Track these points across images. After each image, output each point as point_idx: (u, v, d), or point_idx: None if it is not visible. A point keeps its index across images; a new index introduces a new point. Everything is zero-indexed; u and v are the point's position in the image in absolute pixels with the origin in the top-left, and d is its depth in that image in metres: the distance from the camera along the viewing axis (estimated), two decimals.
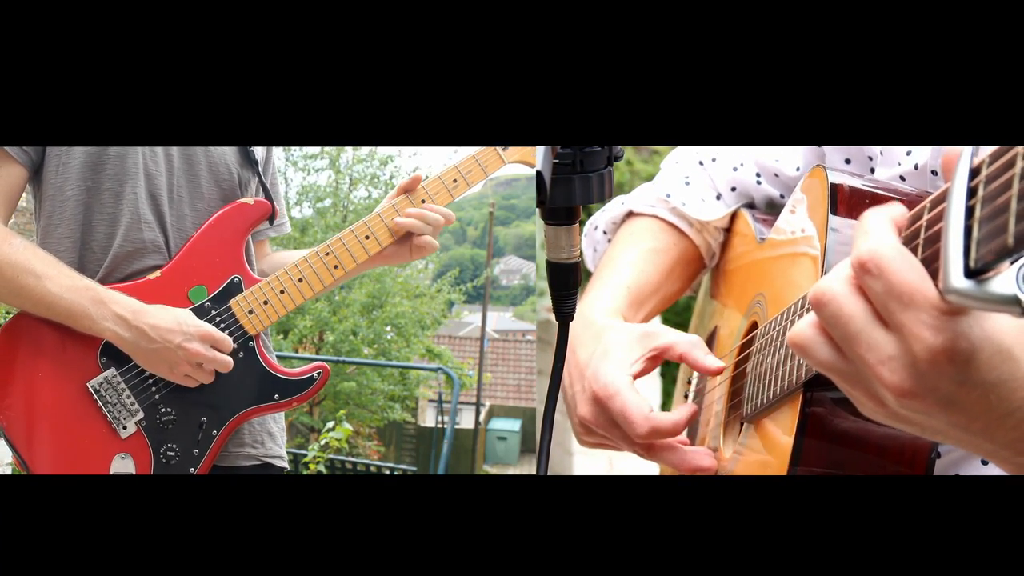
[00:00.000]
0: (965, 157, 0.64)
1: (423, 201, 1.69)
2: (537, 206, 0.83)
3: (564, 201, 0.84)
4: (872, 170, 1.11)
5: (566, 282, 0.90)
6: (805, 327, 0.72)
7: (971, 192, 0.62)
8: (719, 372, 1.06)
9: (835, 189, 0.95)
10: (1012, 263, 0.59)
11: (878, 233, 0.67)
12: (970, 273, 0.60)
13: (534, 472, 0.92)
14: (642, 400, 1.05)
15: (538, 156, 0.78)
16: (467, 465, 10.23)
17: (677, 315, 4.39)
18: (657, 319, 1.47)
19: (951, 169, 0.64)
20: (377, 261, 1.72)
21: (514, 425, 12.19)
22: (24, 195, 1.66)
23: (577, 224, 0.88)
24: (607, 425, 1.08)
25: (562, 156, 0.83)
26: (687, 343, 1.08)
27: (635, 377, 1.08)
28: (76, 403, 1.59)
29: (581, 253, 0.93)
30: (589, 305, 1.23)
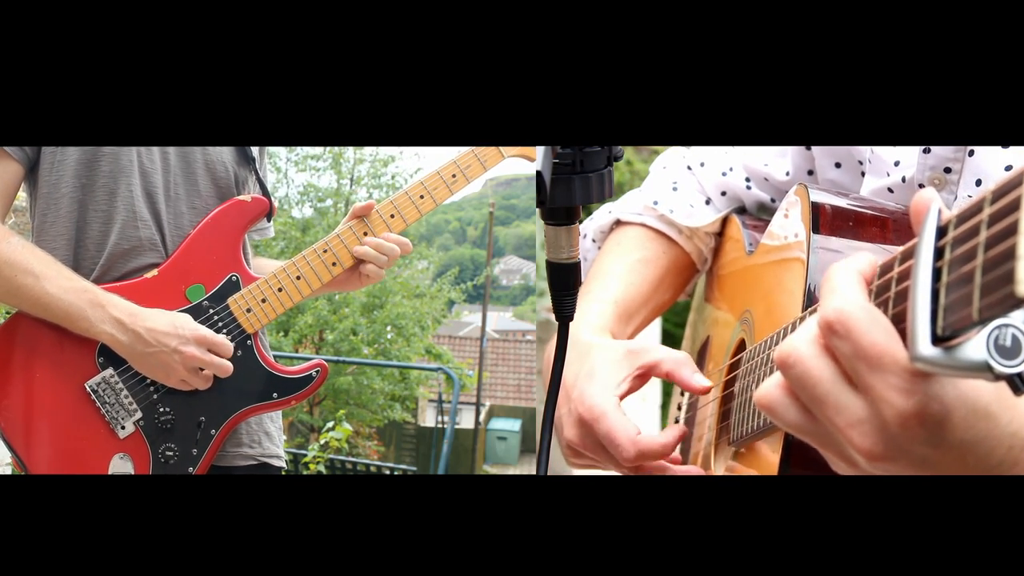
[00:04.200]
0: (932, 214, 0.61)
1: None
2: (537, 206, 0.83)
3: (564, 201, 0.84)
4: (863, 174, 1.11)
5: (566, 282, 0.90)
6: (772, 388, 0.70)
7: (938, 252, 0.60)
8: (706, 391, 1.04)
9: (817, 209, 0.93)
10: (983, 325, 0.56)
11: (845, 290, 0.65)
12: (938, 339, 0.58)
13: (534, 472, 0.91)
14: (628, 422, 1.03)
15: (538, 156, 0.78)
16: (467, 465, 10.22)
17: (677, 315, 4.39)
18: (648, 332, 1.45)
19: (920, 218, 0.62)
20: (331, 287, 1.71)
21: (514, 425, 12.18)
22: (21, 192, 1.65)
23: (577, 224, 0.88)
24: (594, 448, 1.07)
25: (562, 156, 0.82)
26: (674, 361, 1.06)
27: (623, 396, 1.06)
28: (74, 403, 1.58)
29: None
30: (576, 322, 1.22)
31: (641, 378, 1.08)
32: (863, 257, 0.69)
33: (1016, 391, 0.58)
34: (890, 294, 0.65)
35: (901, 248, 0.66)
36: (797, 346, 0.66)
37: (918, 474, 0.65)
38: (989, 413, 0.63)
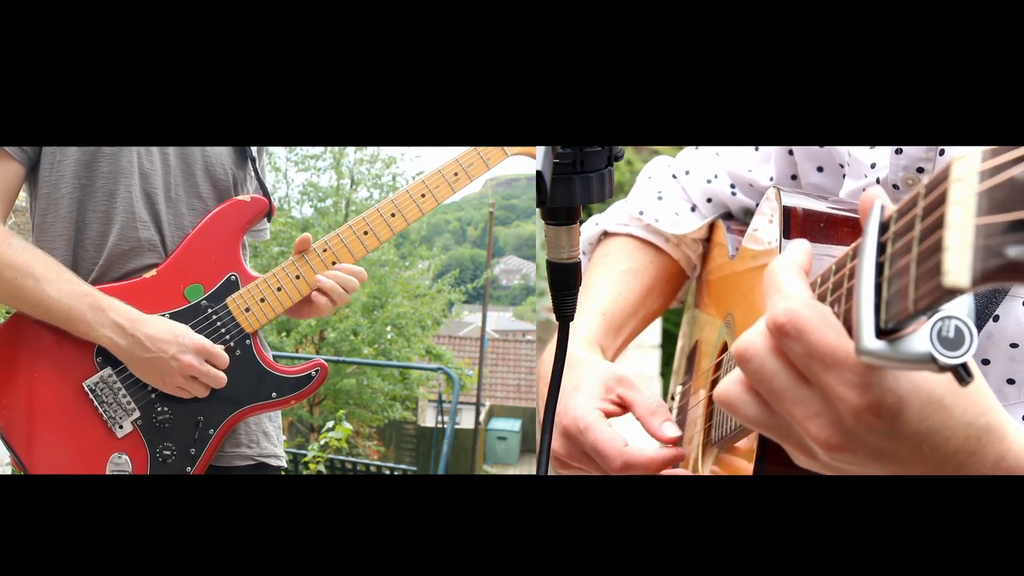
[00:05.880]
0: (875, 210, 0.62)
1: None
2: (537, 206, 0.83)
3: (564, 201, 0.84)
4: (844, 176, 1.11)
5: (566, 282, 0.90)
6: (731, 384, 0.70)
7: (882, 247, 0.61)
8: (674, 441, 1.06)
9: (788, 213, 0.94)
10: (928, 318, 0.57)
11: (790, 289, 0.66)
12: (883, 332, 0.59)
13: (534, 472, 0.91)
14: (615, 433, 1.05)
15: (538, 156, 0.78)
16: (467, 465, 10.21)
17: (677, 315, 4.39)
18: (648, 332, 1.46)
19: (866, 215, 0.63)
20: (293, 313, 1.70)
21: (514, 425, 12.17)
22: (22, 192, 1.65)
23: (577, 224, 0.88)
24: (581, 458, 1.08)
25: (562, 156, 0.82)
26: (647, 408, 1.07)
27: (605, 415, 1.08)
28: (72, 403, 1.58)
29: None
30: None
31: (620, 406, 1.10)
32: (797, 247, 0.69)
33: (961, 381, 0.58)
34: (842, 291, 0.66)
35: (852, 245, 0.66)
36: (753, 340, 0.67)
37: (876, 463, 0.66)
38: (943, 404, 0.64)
